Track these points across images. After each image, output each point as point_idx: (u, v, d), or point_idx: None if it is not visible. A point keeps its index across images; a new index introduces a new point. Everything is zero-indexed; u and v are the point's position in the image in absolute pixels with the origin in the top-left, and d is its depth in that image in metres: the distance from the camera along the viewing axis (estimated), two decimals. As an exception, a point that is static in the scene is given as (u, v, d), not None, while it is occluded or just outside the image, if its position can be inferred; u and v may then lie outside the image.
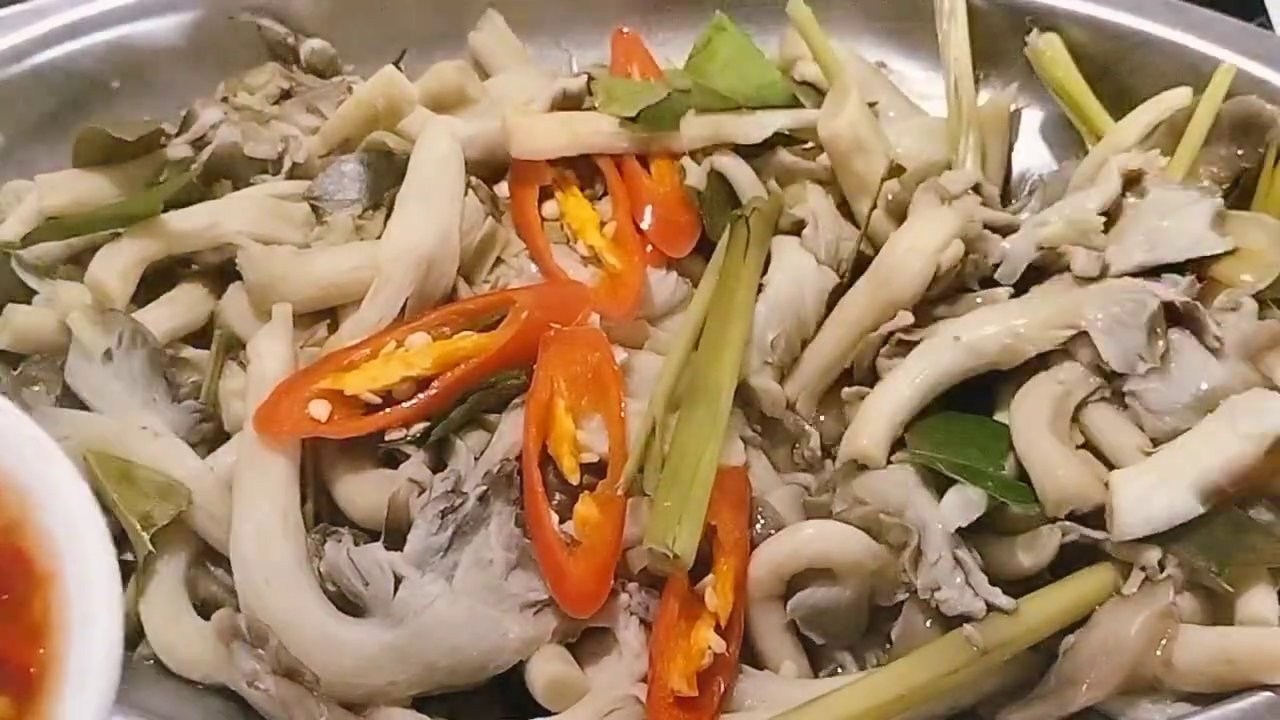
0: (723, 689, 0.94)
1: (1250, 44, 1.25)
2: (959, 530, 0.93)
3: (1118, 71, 1.29)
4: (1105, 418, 1.01)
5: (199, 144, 1.21)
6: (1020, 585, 0.94)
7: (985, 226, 1.09)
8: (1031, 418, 0.99)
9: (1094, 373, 1.02)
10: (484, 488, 0.95)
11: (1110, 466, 0.97)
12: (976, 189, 1.12)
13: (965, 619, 0.90)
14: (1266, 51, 1.23)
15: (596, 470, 0.99)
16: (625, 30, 1.33)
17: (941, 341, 1.03)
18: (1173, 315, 1.01)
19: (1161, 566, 0.92)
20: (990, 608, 0.91)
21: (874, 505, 0.97)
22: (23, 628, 0.61)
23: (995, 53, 1.34)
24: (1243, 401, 0.97)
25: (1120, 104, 1.26)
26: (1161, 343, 1.00)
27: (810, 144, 1.22)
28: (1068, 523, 0.94)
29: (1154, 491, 0.93)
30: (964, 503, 0.95)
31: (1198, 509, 0.92)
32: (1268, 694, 0.89)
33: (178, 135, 1.22)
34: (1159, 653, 0.91)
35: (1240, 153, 1.17)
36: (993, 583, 0.92)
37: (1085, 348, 1.02)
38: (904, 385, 1.02)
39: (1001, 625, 0.91)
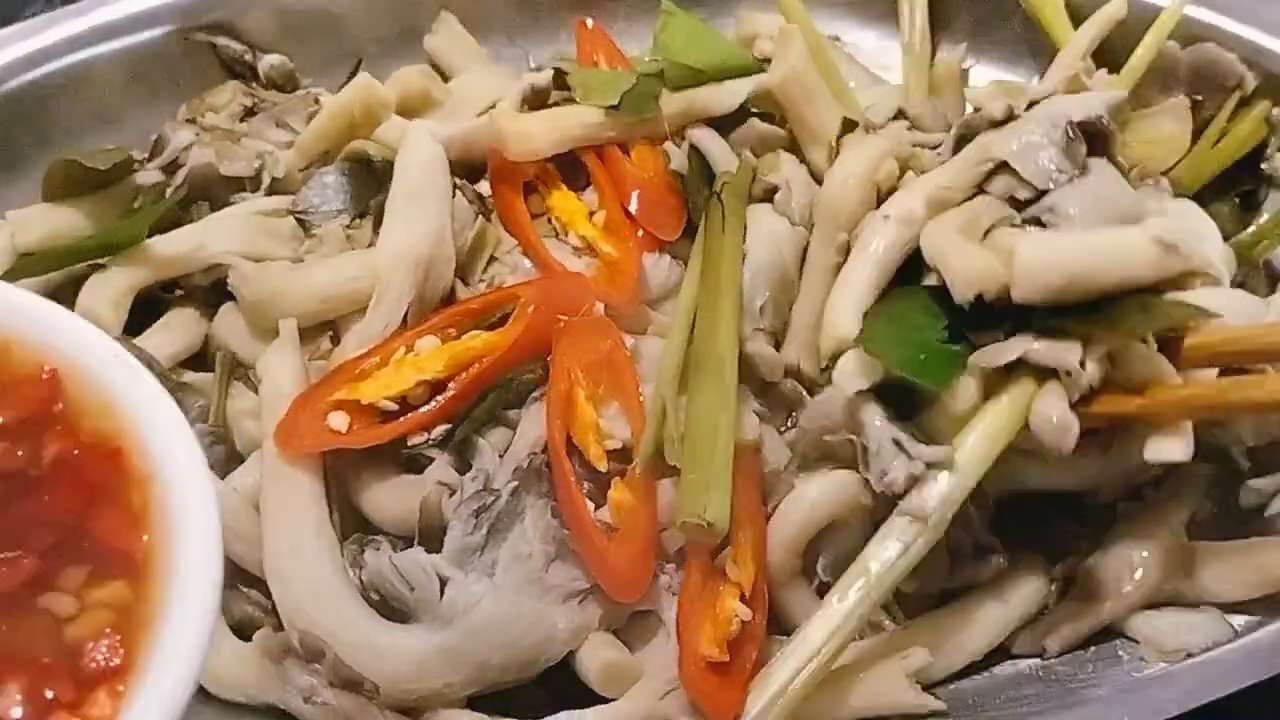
0: (754, 658, 0.93)
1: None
2: (895, 417, 0.94)
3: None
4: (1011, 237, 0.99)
5: (170, 168, 1.19)
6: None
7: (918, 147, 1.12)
8: (941, 226, 1.00)
9: (1007, 204, 1.01)
10: (515, 483, 0.95)
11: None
12: (901, 114, 1.14)
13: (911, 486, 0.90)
14: (1227, 3, 1.23)
15: (621, 456, 0.99)
16: (588, 22, 1.33)
17: (873, 226, 1.05)
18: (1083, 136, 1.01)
19: (1083, 364, 0.91)
20: (929, 466, 0.90)
21: (819, 428, 0.98)
22: (125, 517, 0.64)
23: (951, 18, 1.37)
24: (1160, 213, 0.99)
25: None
26: (1079, 150, 1.00)
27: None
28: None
29: (1057, 252, 0.92)
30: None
31: (1100, 270, 0.91)
32: None
33: (149, 160, 1.20)
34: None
35: (1199, 98, 1.19)
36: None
37: (999, 178, 1.02)
38: (854, 277, 1.03)
39: (934, 484, 0.90)
